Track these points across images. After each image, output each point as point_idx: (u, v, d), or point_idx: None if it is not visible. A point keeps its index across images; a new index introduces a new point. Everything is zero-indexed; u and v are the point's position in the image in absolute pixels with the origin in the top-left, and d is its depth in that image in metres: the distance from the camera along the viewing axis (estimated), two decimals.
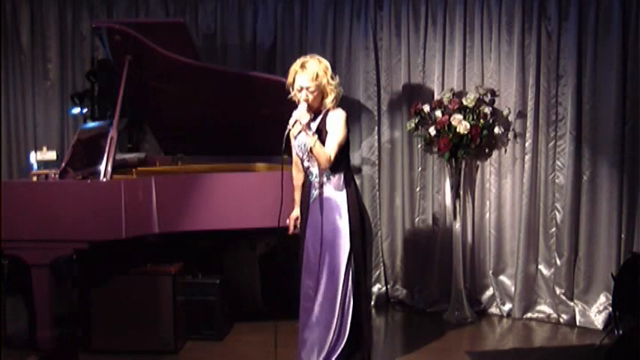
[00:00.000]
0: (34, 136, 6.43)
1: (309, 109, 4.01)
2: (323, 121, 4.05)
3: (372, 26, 5.92)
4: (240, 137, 5.46)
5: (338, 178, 4.08)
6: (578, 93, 5.40)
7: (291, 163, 4.32)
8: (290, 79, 4.03)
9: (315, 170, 4.09)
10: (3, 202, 4.44)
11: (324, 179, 4.07)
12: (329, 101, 4.03)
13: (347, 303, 4.04)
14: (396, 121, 5.93)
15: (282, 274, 5.44)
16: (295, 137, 4.14)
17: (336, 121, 4.03)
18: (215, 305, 4.98)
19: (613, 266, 5.28)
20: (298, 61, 4.02)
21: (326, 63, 4.03)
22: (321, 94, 4.02)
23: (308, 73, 3.96)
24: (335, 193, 4.07)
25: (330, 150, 3.98)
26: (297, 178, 4.28)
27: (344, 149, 4.08)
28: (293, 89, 4.03)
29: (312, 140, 3.96)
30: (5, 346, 4.83)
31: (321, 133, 4.02)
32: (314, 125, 4.05)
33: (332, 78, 4.02)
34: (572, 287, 5.50)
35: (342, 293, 4.03)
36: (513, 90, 5.58)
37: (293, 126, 3.99)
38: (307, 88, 3.96)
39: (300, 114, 3.96)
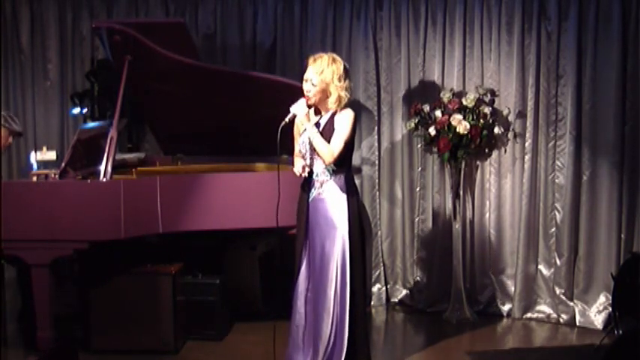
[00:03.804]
0: (34, 136, 6.43)
1: (314, 105, 4.04)
2: (331, 121, 4.04)
3: (372, 26, 5.92)
4: (240, 137, 5.46)
5: (339, 179, 4.06)
6: (578, 93, 5.41)
7: (291, 163, 4.31)
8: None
9: (316, 169, 4.08)
10: (3, 202, 4.43)
11: (325, 179, 4.07)
12: (331, 101, 4.02)
13: (343, 306, 4.00)
14: (396, 121, 5.93)
15: (282, 274, 5.44)
16: (300, 134, 4.14)
17: (344, 119, 4.02)
18: (215, 305, 4.98)
19: (613, 266, 5.28)
20: (312, 55, 4.07)
21: (340, 65, 4.00)
22: (325, 92, 4.01)
23: (315, 66, 3.99)
24: (335, 194, 4.05)
25: (333, 145, 3.97)
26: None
27: (348, 149, 4.07)
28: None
29: (311, 131, 3.98)
30: (5, 346, 4.83)
31: (329, 134, 4.01)
32: (320, 126, 4.05)
33: (340, 80, 3.98)
34: (572, 287, 5.50)
35: (339, 296, 4.00)
36: (513, 90, 5.58)
37: (289, 120, 4.01)
38: (311, 81, 3.98)
39: (297, 107, 3.99)
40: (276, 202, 4.07)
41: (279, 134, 3.96)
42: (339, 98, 4.01)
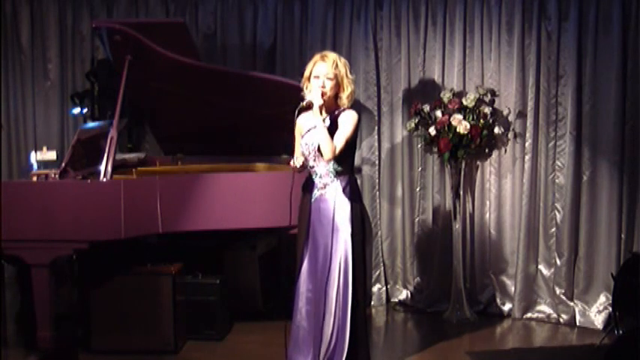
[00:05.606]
0: (34, 136, 6.42)
1: (324, 103, 4.01)
2: (335, 121, 4.05)
3: (372, 26, 5.92)
4: (240, 137, 5.46)
5: (341, 181, 4.06)
6: (578, 93, 5.41)
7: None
8: (307, 72, 4.05)
9: (319, 170, 4.08)
10: (3, 202, 4.43)
11: (328, 180, 4.07)
12: (345, 96, 4.04)
13: (345, 307, 4.00)
14: (396, 121, 5.93)
15: (282, 274, 5.44)
16: (303, 136, 4.14)
17: (348, 118, 4.04)
18: (215, 305, 4.98)
19: (613, 266, 5.28)
20: (318, 54, 4.07)
21: (346, 61, 4.09)
22: (337, 87, 4.02)
23: (329, 62, 4.00)
24: (338, 196, 4.05)
25: (336, 141, 3.98)
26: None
27: (351, 150, 4.08)
28: (309, 82, 4.04)
29: (320, 125, 3.96)
30: (5, 346, 4.83)
31: (333, 133, 4.01)
32: (327, 123, 4.05)
33: (351, 73, 4.07)
34: (572, 287, 5.50)
35: (342, 297, 4.01)
36: (513, 90, 5.58)
37: (306, 104, 3.99)
38: (326, 76, 3.98)
39: (314, 96, 3.97)
40: (276, 202, 4.09)
41: (296, 116, 3.95)
42: (352, 93, 4.06)
